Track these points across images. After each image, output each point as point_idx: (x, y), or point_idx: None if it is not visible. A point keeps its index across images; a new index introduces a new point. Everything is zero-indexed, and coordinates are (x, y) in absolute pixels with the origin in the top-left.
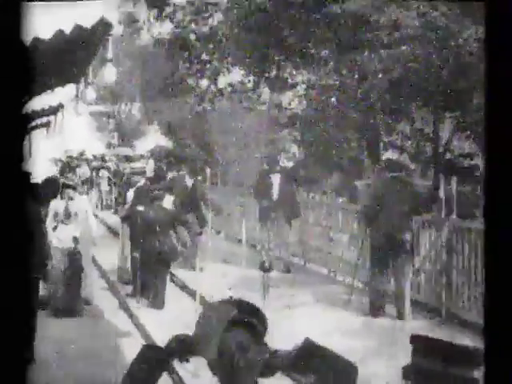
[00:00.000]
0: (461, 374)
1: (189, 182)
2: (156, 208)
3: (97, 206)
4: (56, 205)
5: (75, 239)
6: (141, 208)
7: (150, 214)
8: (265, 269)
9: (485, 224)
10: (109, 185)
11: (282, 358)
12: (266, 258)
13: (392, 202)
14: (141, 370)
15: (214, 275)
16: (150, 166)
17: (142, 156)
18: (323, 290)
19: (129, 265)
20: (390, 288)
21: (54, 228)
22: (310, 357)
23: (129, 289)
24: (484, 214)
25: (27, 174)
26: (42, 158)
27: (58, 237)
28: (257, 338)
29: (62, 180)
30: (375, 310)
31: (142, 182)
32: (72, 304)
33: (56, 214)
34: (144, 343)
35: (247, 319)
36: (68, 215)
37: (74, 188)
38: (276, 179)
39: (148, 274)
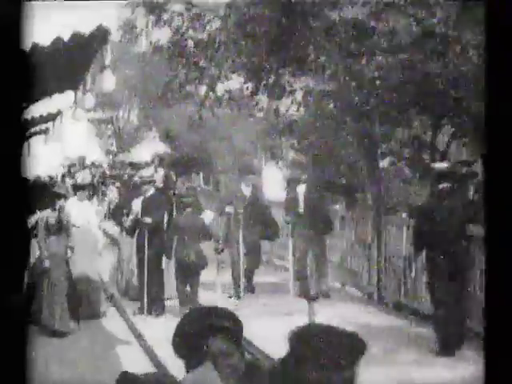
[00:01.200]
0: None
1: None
2: (186, 215)
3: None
4: (47, 216)
5: (71, 249)
6: (148, 220)
7: (181, 221)
8: (311, 297)
9: (485, 230)
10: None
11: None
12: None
13: (445, 216)
14: None
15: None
16: (159, 175)
17: (147, 163)
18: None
19: (135, 279)
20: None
21: (45, 240)
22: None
23: (134, 305)
24: (484, 220)
25: (26, 181)
26: (41, 165)
27: (51, 250)
28: (237, 342)
29: (52, 188)
30: (449, 348)
31: (151, 191)
32: (59, 323)
33: (47, 226)
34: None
35: (225, 325)
36: (60, 228)
37: (65, 197)
38: (301, 190)
39: (179, 283)
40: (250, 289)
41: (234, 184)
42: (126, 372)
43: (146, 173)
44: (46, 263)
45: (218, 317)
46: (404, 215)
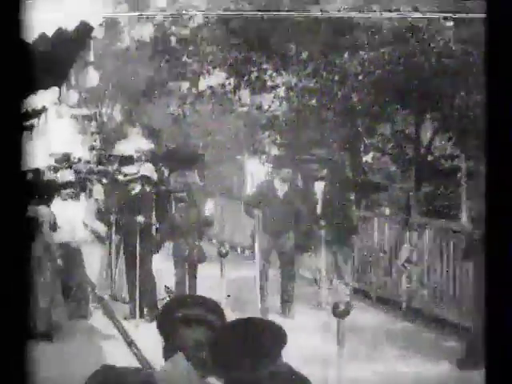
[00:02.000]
0: None
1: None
2: (182, 211)
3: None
4: (46, 213)
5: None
6: (141, 218)
7: (177, 217)
8: (340, 314)
9: (486, 226)
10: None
11: None
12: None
13: None
14: None
15: None
16: (148, 170)
17: (131, 158)
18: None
19: (124, 281)
20: None
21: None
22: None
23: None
24: (485, 218)
25: (24, 174)
26: (27, 161)
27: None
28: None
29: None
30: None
31: (137, 189)
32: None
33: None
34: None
35: (204, 316)
36: (55, 227)
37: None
38: (320, 187)
39: (178, 279)
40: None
41: (265, 182)
42: (106, 365)
43: (131, 169)
44: (60, 262)
45: (195, 307)
46: (387, 211)
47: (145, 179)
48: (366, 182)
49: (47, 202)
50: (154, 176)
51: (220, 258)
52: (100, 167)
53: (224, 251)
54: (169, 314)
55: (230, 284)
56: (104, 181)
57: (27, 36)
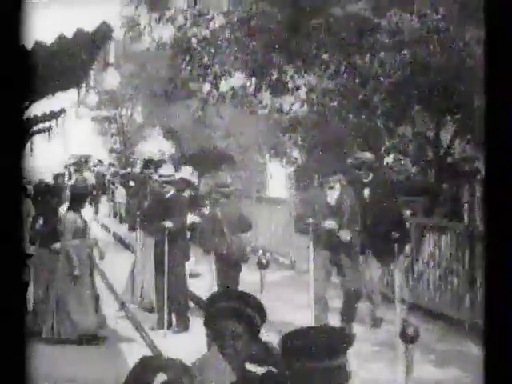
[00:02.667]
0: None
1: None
2: (221, 208)
3: (114, 216)
4: (73, 217)
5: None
6: (169, 224)
7: (217, 214)
8: (409, 338)
9: (485, 227)
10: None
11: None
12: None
13: None
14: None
15: None
16: (187, 173)
17: (163, 161)
18: None
19: (152, 289)
20: None
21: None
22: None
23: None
24: (485, 217)
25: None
26: (44, 164)
27: (79, 256)
28: (252, 329)
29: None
30: None
31: (171, 192)
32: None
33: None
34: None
35: (244, 310)
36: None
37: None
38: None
39: (221, 280)
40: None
41: (313, 192)
42: (145, 356)
43: (168, 171)
44: (77, 271)
45: (235, 300)
46: (408, 212)
47: (184, 182)
48: (413, 186)
49: (76, 207)
50: (194, 179)
51: (260, 271)
52: (127, 169)
53: (264, 262)
54: (211, 306)
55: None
56: (131, 184)
57: (46, 38)
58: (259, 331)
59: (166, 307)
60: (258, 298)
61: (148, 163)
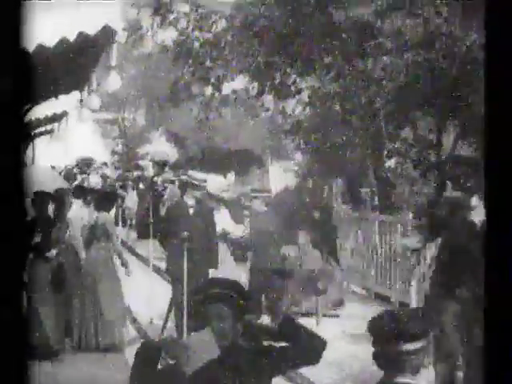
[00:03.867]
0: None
1: None
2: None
3: (123, 223)
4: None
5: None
6: (185, 234)
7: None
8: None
9: (487, 225)
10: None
11: (264, 328)
12: None
13: None
14: (144, 367)
15: None
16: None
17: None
18: None
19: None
20: None
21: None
22: (289, 329)
23: None
24: (486, 216)
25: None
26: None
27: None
28: (236, 310)
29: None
30: None
31: (194, 200)
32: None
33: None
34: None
35: (226, 293)
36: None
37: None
38: None
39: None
40: None
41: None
42: (145, 341)
43: (200, 176)
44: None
45: (219, 287)
46: (410, 215)
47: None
48: None
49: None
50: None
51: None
52: (137, 173)
53: (322, 288)
54: (199, 293)
55: None
56: (141, 186)
57: (45, 41)
58: (244, 313)
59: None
60: (235, 280)
61: (163, 166)
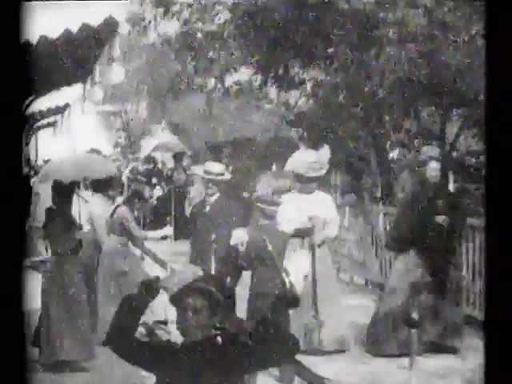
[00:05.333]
0: None
1: None
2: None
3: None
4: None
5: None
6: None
7: (263, 239)
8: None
9: (486, 222)
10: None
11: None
12: None
13: None
14: (125, 317)
15: None
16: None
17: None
18: None
19: None
20: None
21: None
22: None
23: None
24: (485, 211)
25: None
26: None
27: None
28: (213, 304)
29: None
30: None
31: (217, 194)
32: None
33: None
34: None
35: (205, 287)
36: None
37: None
38: None
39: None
40: None
41: None
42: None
43: (216, 168)
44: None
45: (197, 280)
46: None
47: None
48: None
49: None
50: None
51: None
52: (149, 165)
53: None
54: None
55: None
56: (154, 181)
57: (49, 33)
58: (220, 305)
59: None
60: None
61: (180, 157)
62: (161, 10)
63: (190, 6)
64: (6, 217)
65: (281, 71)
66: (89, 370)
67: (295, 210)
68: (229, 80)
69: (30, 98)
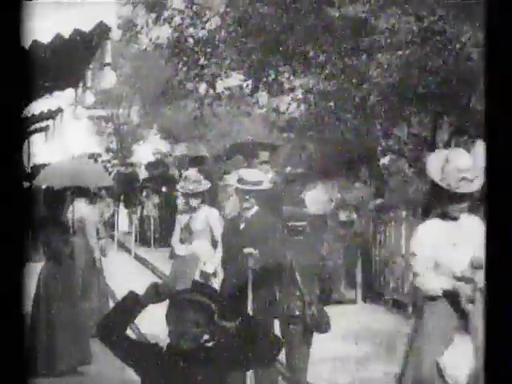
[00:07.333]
0: None
1: None
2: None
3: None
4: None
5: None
6: (251, 250)
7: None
8: None
9: (486, 222)
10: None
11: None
12: None
13: None
14: (122, 312)
15: None
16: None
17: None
18: None
19: None
20: None
21: None
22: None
23: None
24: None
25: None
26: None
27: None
28: (208, 315)
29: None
30: None
31: (255, 208)
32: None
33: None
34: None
35: (203, 301)
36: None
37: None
38: None
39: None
40: None
41: None
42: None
43: (254, 175)
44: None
45: (195, 293)
46: (404, 213)
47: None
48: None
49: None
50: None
51: None
52: (159, 170)
53: None
54: (175, 297)
55: None
56: (163, 189)
57: (42, 38)
58: (215, 315)
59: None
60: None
61: (199, 162)
62: (153, 15)
63: (181, 11)
64: (6, 219)
65: (272, 77)
66: (86, 375)
67: None
68: (220, 86)
69: (23, 102)
